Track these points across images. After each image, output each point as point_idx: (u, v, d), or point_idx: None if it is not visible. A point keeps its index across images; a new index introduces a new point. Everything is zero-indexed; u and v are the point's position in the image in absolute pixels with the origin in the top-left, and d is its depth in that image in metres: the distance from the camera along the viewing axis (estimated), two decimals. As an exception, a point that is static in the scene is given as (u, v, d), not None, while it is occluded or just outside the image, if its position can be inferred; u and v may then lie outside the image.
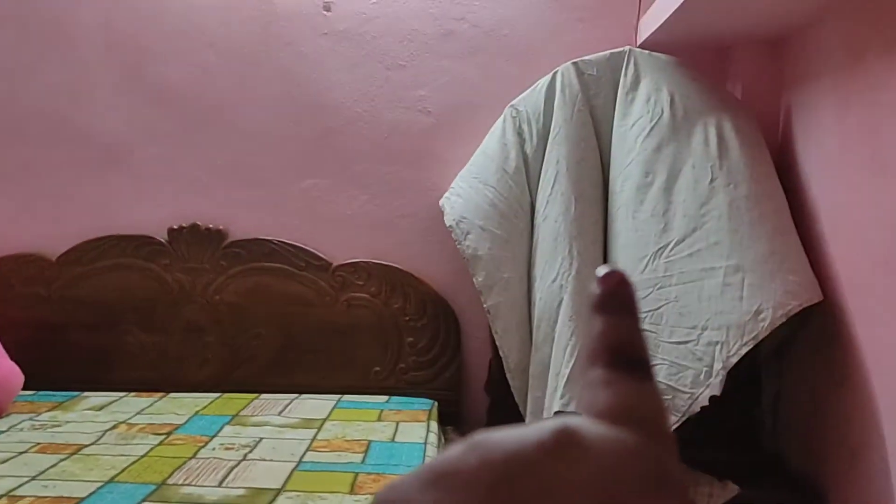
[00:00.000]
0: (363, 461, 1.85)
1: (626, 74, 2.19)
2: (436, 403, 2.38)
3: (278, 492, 1.63)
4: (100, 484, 1.64)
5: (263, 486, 1.66)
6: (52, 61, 2.53)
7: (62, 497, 1.57)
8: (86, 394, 2.40)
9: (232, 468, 1.77)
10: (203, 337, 2.51)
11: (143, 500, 1.56)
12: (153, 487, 1.64)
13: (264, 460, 1.83)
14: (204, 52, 2.52)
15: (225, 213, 2.53)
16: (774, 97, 2.30)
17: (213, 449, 1.91)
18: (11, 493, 1.60)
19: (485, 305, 2.15)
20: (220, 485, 1.67)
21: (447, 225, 2.22)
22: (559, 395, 1.93)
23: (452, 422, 2.45)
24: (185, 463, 1.80)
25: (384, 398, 2.40)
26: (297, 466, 1.79)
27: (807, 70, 2.10)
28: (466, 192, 2.24)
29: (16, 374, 2.22)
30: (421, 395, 2.43)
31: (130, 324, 2.52)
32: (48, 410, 2.22)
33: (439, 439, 2.14)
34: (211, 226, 2.51)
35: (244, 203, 2.53)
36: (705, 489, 1.99)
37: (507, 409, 2.26)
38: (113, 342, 2.52)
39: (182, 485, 1.66)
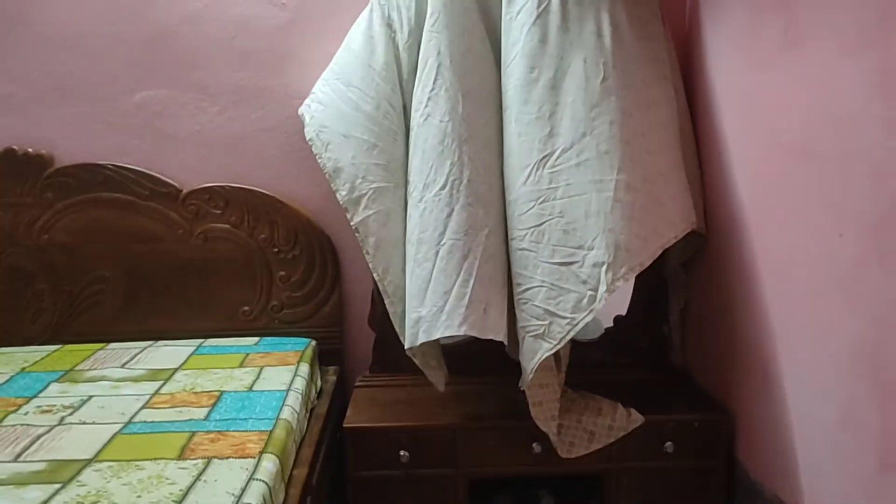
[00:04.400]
0: (207, 417, 1.55)
1: (510, -48, 1.86)
2: (313, 342, 2.10)
3: (87, 463, 1.32)
4: None
5: (70, 458, 1.34)
6: None
7: None
8: None
9: (40, 437, 1.44)
10: (32, 285, 2.13)
11: None
12: (-74, 470, 1.30)
13: (85, 424, 1.52)
14: (4, -63, 2.06)
15: (46, 134, 2.11)
16: (678, -26, 2.02)
17: (27, 413, 1.58)
18: None
19: (352, 223, 1.83)
20: (16, 459, 1.35)
21: (307, 138, 1.88)
22: (456, 316, 1.64)
23: (336, 361, 2.19)
24: (-18, 434, 1.46)
25: (254, 340, 2.10)
26: (122, 429, 1.48)
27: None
28: (328, 97, 1.90)
29: None
30: (298, 335, 2.14)
31: (-57, 273, 2.12)
32: None
33: (309, 383, 1.86)
34: (30, 150, 2.10)
35: (69, 122, 2.12)
36: (605, 420, 1.79)
37: (395, 345, 1.99)
38: (-77, 295, 2.12)
39: (-33, 463, 1.33)
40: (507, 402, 1.85)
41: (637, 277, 2.06)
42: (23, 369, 1.88)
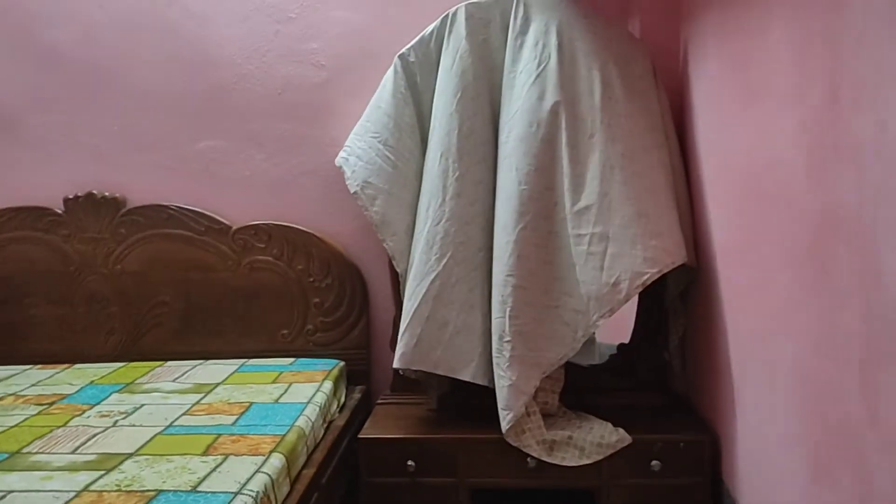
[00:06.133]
0: (234, 423, 1.81)
1: (515, 17, 2.08)
2: (342, 364, 2.34)
3: (127, 456, 1.59)
4: (-49, 455, 1.61)
5: (116, 452, 1.62)
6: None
7: None
8: (-9, 368, 2.37)
9: (95, 435, 1.73)
10: (107, 307, 2.47)
11: (-13, 470, 1.53)
12: (3, 457, 1.60)
13: (133, 426, 1.80)
14: (92, 12, 2.44)
15: (121, 179, 2.47)
16: (673, 32, 2.19)
17: (88, 417, 1.87)
18: None
19: (398, 269, 2.10)
20: (73, 451, 1.63)
21: (351, 191, 2.13)
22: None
23: (363, 381, 2.42)
24: (51, 432, 1.76)
25: (290, 360, 2.36)
26: (162, 431, 1.75)
27: (699, 2, 2.00)
28: (367, 154, 2.14)
29: None
30: (330, 356, 2.38)
31: (34, 297, 2.48)
32: (-53, 386, 2.19)
33: (331, 398, 2.09)
34: (107, 193, 2.45)
35: (140, 168, 2.47)
36: (594, 437, 1.94)
37: (413, 367, 2.22)
38: (18, 316, 2.48)
39: (34, 453, 1.63)
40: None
41: (640, 307, 2.24)
42: (91, 382, 2.19)
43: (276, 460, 1.58)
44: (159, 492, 1.40)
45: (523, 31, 2.07)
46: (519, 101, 2.02)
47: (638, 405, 2.16)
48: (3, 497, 1.39)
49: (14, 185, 2.48)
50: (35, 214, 2.47)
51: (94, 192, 2.45)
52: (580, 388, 2.16)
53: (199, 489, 1.42)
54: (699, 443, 1.94)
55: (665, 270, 1.88)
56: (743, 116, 1.66)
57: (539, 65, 2.01)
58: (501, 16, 2.11)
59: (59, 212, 2.46)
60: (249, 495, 1.40)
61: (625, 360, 2.29)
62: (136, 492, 1.41)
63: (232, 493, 1.40)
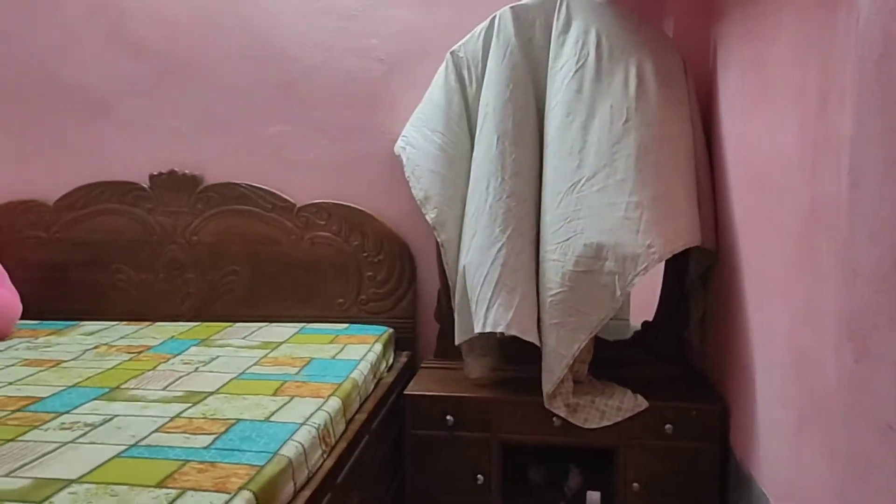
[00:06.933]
0: (298, 373, 2.07)
1: (558, 17, 2.29)
2: (391, 330, 2.59)
3: (210, 394, 1.87)
4: (62, 388, 1.91)
5: (200, 390, 1.90)
6: (41, 25, 2.79)
7: (28, 396, 1.84)
8: (82, 323, 2.69)
9: (180, 377, 2.02)
10: (184, 274, 2.76)
11: (93, 399, 1.82)
12: (106, 390, 1.90)
13: (212, 372, 2.08)
14: (177, 11, 2.73)
15: (200, 159, 2.76)
16: (704, 32, 2.37)
17: (173, 364, 2.16)
18: (-13, 393, 1.87)
19: (438, 239, 2.34)
20: (164, 388, 1.92)
21: (406, 176, 2.39)
22: (480, 319, 2.13)
23: (409, 347, 2.67)
24: (143, 374, 2.05)
25: (345, 325, 2.63)
26: (237, 376, 2.03)
27: (727, 5, 2.18)
28: (418, 142, 2.40)
29: (14, 303, 2.53)
30: (380, 324, 2.64)
31: (121, 263, 2.79)
32: (46, 336, 2.51)
33: (381, 358, 2.35)
34: (187, 171, 2.75)
35: (216, 150, 2.75)
36: (615, 402, 2.15)
37: (454, 336, 2.45)
38: (107, 279, 2.80)
39: (132, 389, 1.92)
40: (536, 385, 2.24)
41: (663, 288, 2.43)
42: (172, 336, 2.49)
43: (334, 402, 1.84)
44: (238, 420, 1.67)
45: (565, 31, 2.27)
46: (559, 94, 2.22)
47: (658, 377, 2.35)
48: (112, 419, 1.68)
49: (106, 161, 2.80)
50: (123, 189, 2.78)
51: (176, 169, 2.75)
52: (607, 360, 2.36)
53: (271, 419, 1.68)
54: (710, 411, 2.13)
55: (688, 246, 2.07)
56: (757, 112, 1.84)
57: (578, 61, 2.21)
58: (545, 17, 2.31)
59: (145, 187, 2.77)
60: (313, 426, 1.66)
61: (648, 336, 2.49)
62: (220, 419, 1.68)
63: (298, 423, 1.66)
